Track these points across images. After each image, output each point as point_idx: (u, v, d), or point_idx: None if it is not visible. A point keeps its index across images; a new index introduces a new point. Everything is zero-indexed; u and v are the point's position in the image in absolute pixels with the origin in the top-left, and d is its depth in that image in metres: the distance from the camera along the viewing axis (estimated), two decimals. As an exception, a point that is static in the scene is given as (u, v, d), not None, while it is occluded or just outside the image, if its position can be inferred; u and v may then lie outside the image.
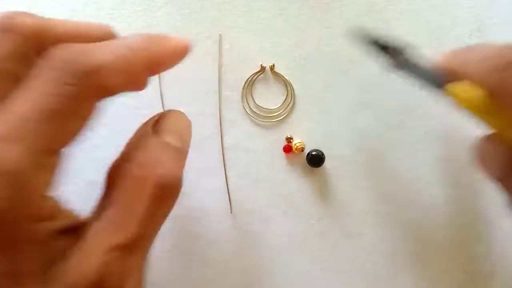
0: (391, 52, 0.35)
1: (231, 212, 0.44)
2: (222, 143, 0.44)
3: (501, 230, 0.44)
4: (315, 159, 0.43)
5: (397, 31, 0.44)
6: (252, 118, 0.45)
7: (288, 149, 0.44)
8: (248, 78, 0.44)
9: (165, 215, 0.24)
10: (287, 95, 0.44)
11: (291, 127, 0.45)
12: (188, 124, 0.28)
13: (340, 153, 0.44)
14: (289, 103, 0.44)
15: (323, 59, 0.44)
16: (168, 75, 0.44)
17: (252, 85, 0.45)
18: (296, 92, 0.44)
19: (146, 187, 0.22)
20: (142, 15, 0.44)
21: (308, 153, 0.44)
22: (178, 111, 0.28)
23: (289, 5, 0.44)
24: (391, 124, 0.44)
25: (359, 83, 0.44)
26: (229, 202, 0.44)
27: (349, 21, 0.44)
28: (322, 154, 0.43)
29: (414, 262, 0.44)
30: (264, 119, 0.45)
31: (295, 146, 0.44)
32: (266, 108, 0.45)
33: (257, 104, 0.45)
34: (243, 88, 0.44)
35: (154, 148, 0.24)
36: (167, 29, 0.44)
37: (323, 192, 0.45)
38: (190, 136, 0.27)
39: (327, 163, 0.44)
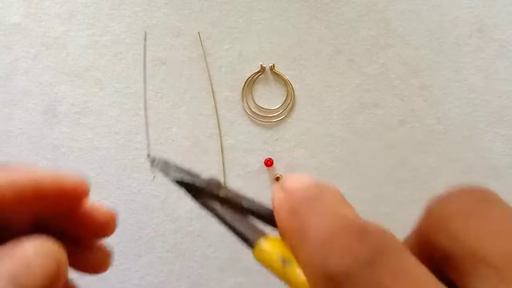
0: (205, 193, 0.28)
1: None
2: (221, 143, 0.44)
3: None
4: None
5: (397, 31, 0.44)
6: (252, 118, 0.45)
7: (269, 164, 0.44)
8: (248, 78, 0.44)
9: None
10: (287, 95, 0.44)
11: (291, 127, 0.45)
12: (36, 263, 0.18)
13: (340, 153, 0.44)
14: (289, 103, 0.44)
15: (323, 59, 0.44)
16: (168, 75, 0.44)
17: (252, 85, 0.45)
18: (296, 92, 0.44)
19: None
20: (142, 16, 0.44)
21: None
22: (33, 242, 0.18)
23: (289, 6, 0.44)
24: (391, 124, 0.44)
25: (359, 83, 0.44)
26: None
27: (349, 21, 0.44)
28: None
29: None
30: (264, 119, 0.45)
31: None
32: (266, 108, 0.45)
33: (257, 104, 0.45)
34: (243, 88, 0.44)
35: None
36: (167, 29, 0.44)
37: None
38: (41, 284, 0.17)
39: (327, 163, 0.44)
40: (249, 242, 0.23)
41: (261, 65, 0.44)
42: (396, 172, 0.44)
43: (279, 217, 0.18)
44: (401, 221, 0.45)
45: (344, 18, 0.44)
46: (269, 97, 0.45)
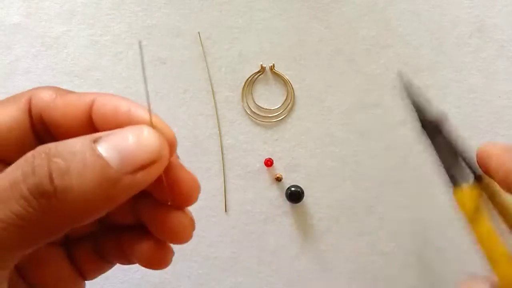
0: (431, 127, 0.31)
1: (225, 211, 0.44)
2: (221, 143, 0.44)
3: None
4: (294, 195, 0.43)
5: (397, 31, 0.44)
6: (252, 118, 0.45)
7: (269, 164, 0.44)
8: (248, 78, 0.44)
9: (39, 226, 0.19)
10: (287, 95, 0.44)
11: (291, 127, 0.45)
12: (148, 150, 0.20)
13: (340, 153, 0.44)
14: (289, 103, 0.44)
15: (323, 59, 0.44)
16: (168, 75, 0.44)
17: (252, 85, 0.45)
18: (296, 92, 0.44)
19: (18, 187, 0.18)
20: (141, 16, 0.44)
21: (288, 188, 0.44)
22: (144, 126, 0.21)
23: (289, 6, 0.44)
24: (391, 124, 0.44)
25: (359, 83, 0.44)
26: (224, 201, 0.44)
27: (349, 21, 0.44)
28: (302, 191, 0.43)
29: (414, 262, 0.44)
30: (264, 119, 0.45)
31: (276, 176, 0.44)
32: (266, 108, 0.45)
33: (257, 104, 0.45)
34: (243, 88, 0.44)
35: (71, 147, 0.19)
36: (167, 29, 0.44)
37: (324, 192, 0.45)
38: (142, 159, 0.20)
39: (327, 163, 0.44)
40: (453, 181, 0.30)
41: (261, 65, 0.44)
42: (396, 172, 0.44)
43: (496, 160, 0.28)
44: (401, 222, 0.45)
45: (344, 18, 0.44)
46: (269, 97, 0.45)
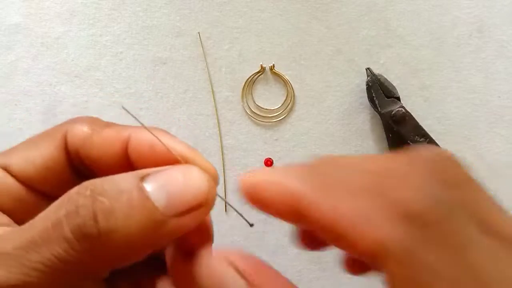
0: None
1: (225, 211, 0.44)
2: (221, 143, 0.44)
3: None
4: None
5: (397, 31, 0.44)
6: (252, 118, 0.45)
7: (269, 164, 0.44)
8: (248, 78, 0.44)
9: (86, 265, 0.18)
10: (287, 95, 0.44)
11: (291, 127, 0.45)
12: (195, 190, 0.19)
13: (340, 153, 0.44)
14: (289, 103, 0.44)
15: (323, 59, 0.44)
16: (168, 75, 0.44)
17: (252, 85, 0.45)
18: (296, 92, 0.44)
19: (61, 226, 0.17)
20: (141, 16, 0.44)
21: None
22: (194, 168, 0.20)
23: (289, 6, 0.44)
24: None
25: (359, 83, 0.44)
26: (224, 201, 0.44)
27: (349, 21, 0.44)
28: None
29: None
30: (264, 119, 0.45)
31: None
32: (266, 108, 0.45)
33: (257, 104, 0.45)
34: (243, 88, 0.44)
35: (116, 187, 0.18)
36: (167, 29, 0.44)
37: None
38: (190, 200, 0.19)
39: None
40: None
41: (261, 65, 0.44)
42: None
43: None
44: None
45: (344, 18, 0.44)
46: (269, 97, 0.45)
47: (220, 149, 0.44)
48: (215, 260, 0.20)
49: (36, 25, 0.44)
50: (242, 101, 0.44)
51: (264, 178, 0.20)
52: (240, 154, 0.44)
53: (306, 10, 0.44)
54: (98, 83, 0.44)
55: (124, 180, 0.18)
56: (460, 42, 0.44)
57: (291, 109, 0.44)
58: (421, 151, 0.19)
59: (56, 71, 0.44)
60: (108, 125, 0.23)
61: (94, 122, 0.23)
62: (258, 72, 0.44)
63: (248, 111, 0.44)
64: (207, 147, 0.44)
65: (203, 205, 0.19)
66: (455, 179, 0.18)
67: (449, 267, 0.16)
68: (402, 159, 0.19)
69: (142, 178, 0.18)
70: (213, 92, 0.44)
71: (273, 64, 0.44)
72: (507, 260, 0.16)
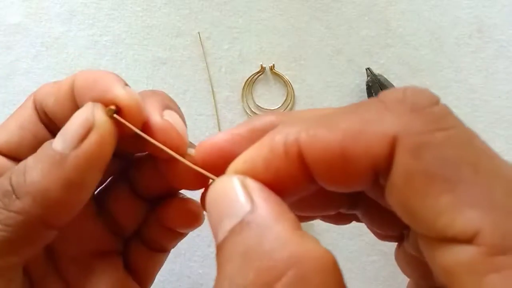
0: None
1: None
2: (222, 143, 0.44)
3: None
4: None
5: (397, 31, 0.44)
6: (252, 118, 0.45)
7: None
8: (248, 78, 0.44)
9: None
10: (287, 95, 0.44)
11: (291, 127, 0.45)
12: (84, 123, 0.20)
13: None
14: (289, 103, 0.44)
15: (323, 59, 0.44)
16: (168, 75, 0.44)
17: (252, 85, 0.45)
18: (296, 92, 0.44)
19: None
20: (141, 16, 0.44)
21: None
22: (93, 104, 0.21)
23: (289, 6, 0.44)
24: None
25: (359, 83, 0.44)
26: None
27: (349, 21, 0.44)
28: None
29: (414, 262, 0.44)
30: (264, 119, 0.45)
31: None
32: (266, 108, 0.45)
33: (257, 104, 0.45)
34: (243, 88, 0.44)
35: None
36: (167, 29, 0.44)
37: (323, 192, 0.44)
38: (76, 129, 0.20)
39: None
40: None
41: (261, 65, 0.44)
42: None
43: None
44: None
45: (344, 18, 0.44)
46: (269, 97, 0.45)
47: (220, 149, 0.44)
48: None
49: (36, 25, 0.44)
50: (242, 101, 0.44)
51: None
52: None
53: (306, 10, 0.44)
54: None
55: (40, 148, 0.21)
56: (460, 42, 0.44)
57: (291, 109, 0.44)
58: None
59: (56, 71, 0.44)
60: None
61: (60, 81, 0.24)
62: (258, 72, 0.44)
63: (248, 111, 0.44)
64: (207, 147, 0.44)
65: (91, 127, 0.20)
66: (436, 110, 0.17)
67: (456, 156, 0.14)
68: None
69: (52, 140, 0.21)
70: (213, 92, 0.44)
71: (273, 64, 0.44)
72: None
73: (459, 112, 0.17)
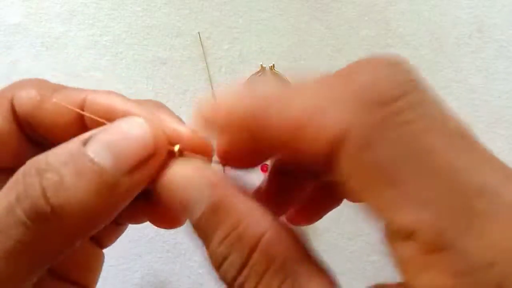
0: None
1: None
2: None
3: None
4: None
5: (397, 31, 0.44)
6: (252, 118, 0.45)
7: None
8: (248, 78, 0.44)
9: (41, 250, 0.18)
10: (287, 95, 0.44)
11: (291, 127, 0.45)
12: (136, 137, 0.18)
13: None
14: (289, 103, 0.44)
15: (323, 59, 0.44)
16: (168, 75, 0.44)
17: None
18: (296, 92, 0.44)
19: (15, 211, 0.17)
20: (141, 16, 0.44)
21: None
22: (132, 118, 0.19)
23: (289, 6, 0.44)
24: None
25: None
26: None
27: (349, 21, 0.44)
28: None
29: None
30: (264, 119, 0.45)
31: None
32: (266, 108, 0.45)
33: (257, 104, 0.45)
34: (243, 88, 0.44)
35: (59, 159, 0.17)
36: (167, 29, 0.44)
37: (323, 192, 0.45)
38: (137, 153, 0.18)
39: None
40: None
41: (261, 65, 0.44)
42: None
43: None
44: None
45: (344, 18, 0.44)
46: (269, 97, 0.45)
47: (220, 149, 0.44)
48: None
49: (36, 25, 0.44)
50: (242, 101, 0.44)
51: (222, 102, 0.18)
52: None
53: (306, 10, 0.44)
54: (98, 83, 0.44)
55: (67, 150, 0.17)
56: (460, 42, 0.44)
57: (291, 109, 0.45)
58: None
59: (56, 71, 0.44)
60: (57, 89, 0.22)
61: (41, 85, 0.22)
62: (258, 72, 0.44)
63: (248, 111, 0.44)
64: (207, 147, 0.44)
65: (153, 154, 0.18)
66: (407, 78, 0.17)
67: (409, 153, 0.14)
68: (347, 68, 0.18)
69: (84, 142, 0.17)
70: (213, 92, 0.44)
71: (273, 64, 0.44)
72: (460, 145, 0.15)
73: (459, 112, 0.17)
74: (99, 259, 0.25)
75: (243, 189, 0.17)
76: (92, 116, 0.19)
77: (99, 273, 0.25)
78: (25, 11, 0.44)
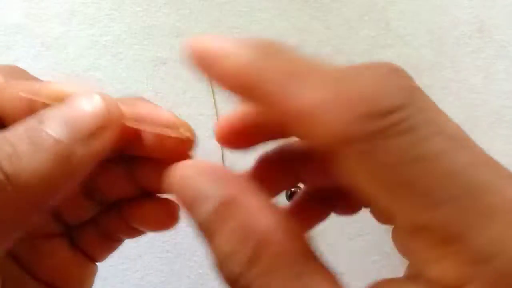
0: None
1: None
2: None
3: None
4: (295, 196, 0.43)
5: (397, 31, 0.44)
6: (252, 118, 0.45)
7: None
8: (248, 78, 0.44)
9: None
10: (287, 95, 0.44)
11: (291, 127, 0.45)
12: (95, 112, 0.19)
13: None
14: (289, 103, 0.45)
15: (323, 59, 0.44)
16: (168, 75, 0.44)
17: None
18: (296, 92, 0.44)
19: None
20: (141, 16, 0.44)
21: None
22: (85, 94, 0.20)
23: (289, 6, 0.44)
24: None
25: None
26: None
27: (349, 21, 0.44)
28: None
29: (414, 262, 0.44)
30: (264, 119, 0.45)
31: None
32: (266, 108, 0.45)
33: (257, 104, 0.45)
34: (243, 88, 0.44)
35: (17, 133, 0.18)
36: (167, 29, 0.44)
37: (323, 192, 0.45)
38: (90, 123, 0.19)
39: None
40: None
41: (261, 65, 0.44)
42: (396, 172, 0.45)
43: None
44: (401, 221, 0.45)
45: (344, 18, 0.44)
46: (269, 97, 0.45)
47: (220, 150, 0.44)
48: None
49: (36, 25, 0.44)
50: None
51: (223, 48, 0.18)
52: (240, 154, 0.44)
53: (306, 10, 0.44)
54: (98, 83, 0.44)
55: (23, 125, 0.19)
56: (460, 42, 0.44)
57: (291, 109, 0.45)
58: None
59: (56, 71, 0.44)
60: (26, 77, 0.23)
61: (10, 72, 0.22)
62: (258, 72, 0.44)
63: (248, 111, 0.45)
64: (207, 147, 0.44)
65: (106, 126, 0.19)
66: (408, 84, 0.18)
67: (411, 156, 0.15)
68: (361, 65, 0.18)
69: (40, 118, 0.19)
70: (213, 92, 0.44)
71: (273, 64, 0.44)
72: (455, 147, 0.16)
73: (459, 112, 0.17)
74: (91, 272, 0.25)
75: (252, 187, 0.18)
76: (45, 101, 0.20)
77: (91, 286, 0.25)
78: (25, 11, 0.44)
